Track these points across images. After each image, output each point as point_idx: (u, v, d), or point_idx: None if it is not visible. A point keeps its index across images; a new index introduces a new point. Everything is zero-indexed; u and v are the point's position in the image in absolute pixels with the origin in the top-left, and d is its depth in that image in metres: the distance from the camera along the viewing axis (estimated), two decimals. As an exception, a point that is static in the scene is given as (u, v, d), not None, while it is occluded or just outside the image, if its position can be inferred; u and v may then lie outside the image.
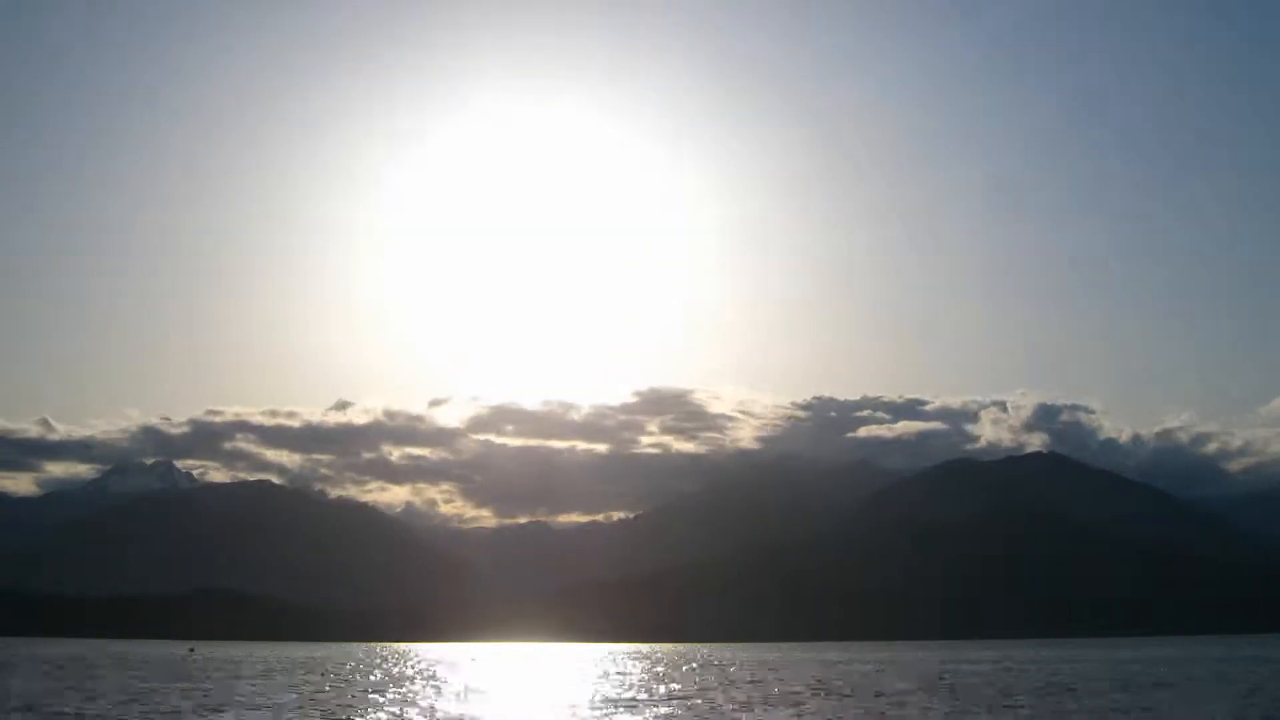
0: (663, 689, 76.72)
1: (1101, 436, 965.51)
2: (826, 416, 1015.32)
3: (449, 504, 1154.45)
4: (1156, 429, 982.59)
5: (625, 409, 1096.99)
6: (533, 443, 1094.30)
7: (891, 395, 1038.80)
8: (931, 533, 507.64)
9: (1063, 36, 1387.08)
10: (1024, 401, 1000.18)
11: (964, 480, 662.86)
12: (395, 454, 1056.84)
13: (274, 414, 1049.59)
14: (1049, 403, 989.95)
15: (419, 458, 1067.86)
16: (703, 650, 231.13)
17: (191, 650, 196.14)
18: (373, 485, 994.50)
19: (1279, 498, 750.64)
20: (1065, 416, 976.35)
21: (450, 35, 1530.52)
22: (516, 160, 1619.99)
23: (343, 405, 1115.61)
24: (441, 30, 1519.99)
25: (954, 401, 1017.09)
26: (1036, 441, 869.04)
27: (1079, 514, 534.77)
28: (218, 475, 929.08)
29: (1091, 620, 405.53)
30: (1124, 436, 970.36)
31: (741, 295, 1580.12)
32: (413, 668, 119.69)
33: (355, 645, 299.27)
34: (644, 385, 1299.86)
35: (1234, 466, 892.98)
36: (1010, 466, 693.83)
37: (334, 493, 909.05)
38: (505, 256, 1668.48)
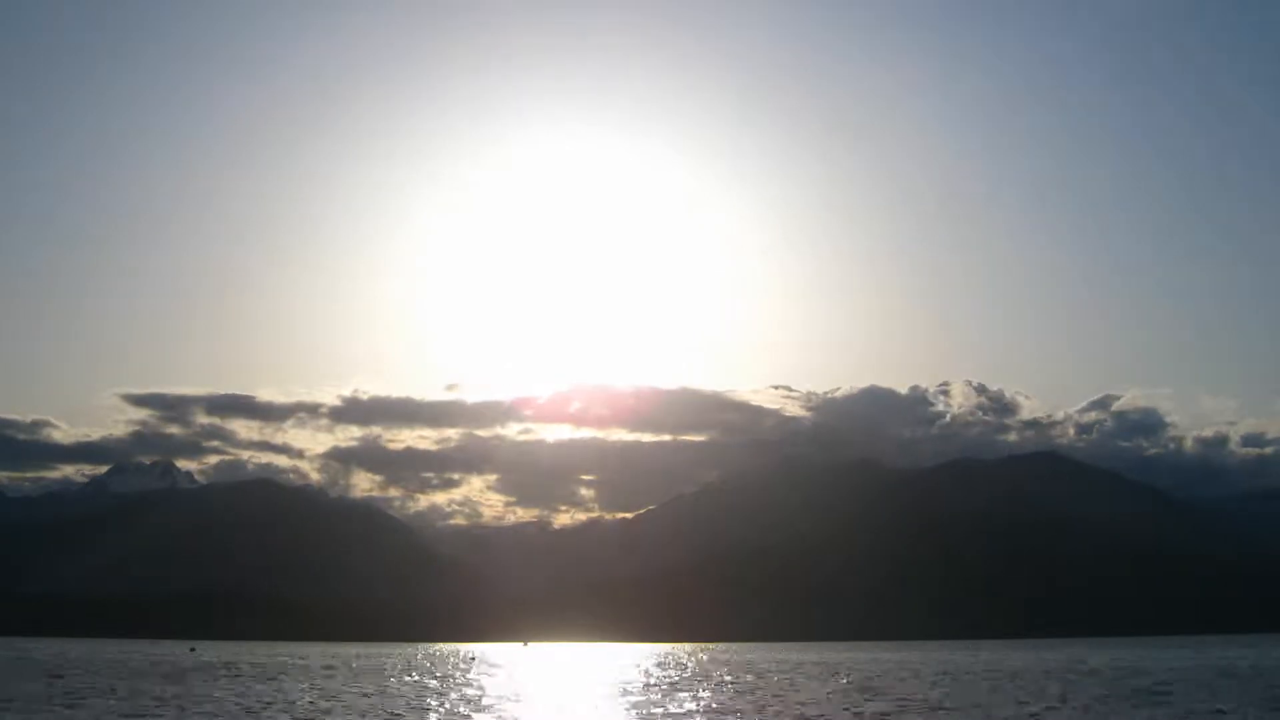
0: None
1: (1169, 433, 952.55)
2: (829, 415, 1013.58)
3: (452, 502, 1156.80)
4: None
5: (626, 406, 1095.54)
6: (539, 437, 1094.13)
7: (908, 389, 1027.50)
8: (931, 532, 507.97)
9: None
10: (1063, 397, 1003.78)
11: (964, 480, 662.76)
12: (398, 453, 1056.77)
13: (275, 412, 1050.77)
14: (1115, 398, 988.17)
15: (421, 456, 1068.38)
16: (720, 651, 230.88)
17: (193, 649, 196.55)
18: (374, 484, 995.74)
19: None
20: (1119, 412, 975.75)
21: (513, 57, 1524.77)
22: (562, 175, 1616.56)
23: (349, 402, 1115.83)
24: (498, 53, 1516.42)
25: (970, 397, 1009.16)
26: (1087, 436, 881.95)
27: (1079, 514, 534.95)
28: (218, 474, 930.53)
29: (1091, 620, 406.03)
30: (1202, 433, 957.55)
31: (757, 296, 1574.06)
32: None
33: (355, 645, 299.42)
34: (648, 384, 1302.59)
35: (1236, 464, 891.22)
36: (1010, 466, 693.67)
37: (335, 491, 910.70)
38: (521, 257, 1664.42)
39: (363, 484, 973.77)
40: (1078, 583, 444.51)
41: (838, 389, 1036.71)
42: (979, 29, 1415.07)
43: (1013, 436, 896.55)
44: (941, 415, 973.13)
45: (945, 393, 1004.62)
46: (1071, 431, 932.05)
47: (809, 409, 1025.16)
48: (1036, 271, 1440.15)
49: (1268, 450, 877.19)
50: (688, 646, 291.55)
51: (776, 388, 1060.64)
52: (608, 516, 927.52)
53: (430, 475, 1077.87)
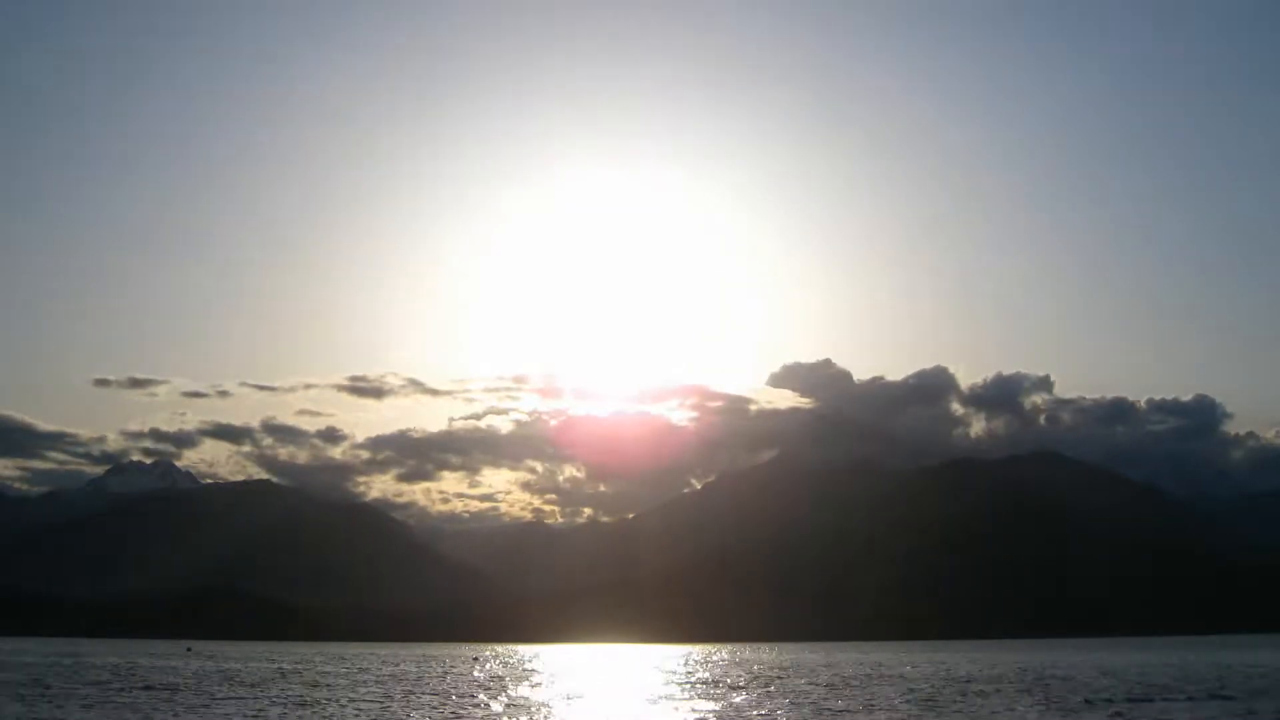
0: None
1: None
2: (826, 413, 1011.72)
3: (452, 502, 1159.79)
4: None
5: (627, 404, 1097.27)
6: (540, 431, 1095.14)
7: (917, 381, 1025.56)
8: (931, 532, 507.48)
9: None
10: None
11: (964, 479, 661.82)
12: (396, 452, 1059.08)
13: (273, 410, 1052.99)
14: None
15: (419, 456, 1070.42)
16: (729, 652, 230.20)
17: (189, 649, 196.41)
18: (375, 484, 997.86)
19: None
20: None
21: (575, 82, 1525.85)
22: (589, 185, 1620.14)
23: (352, 386, 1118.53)
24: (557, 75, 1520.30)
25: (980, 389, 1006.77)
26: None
27: (1079, 513, 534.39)
28: (218, 474, 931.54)
29: (1091, 620, 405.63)
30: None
31: (756, 294, 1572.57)
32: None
33: (354, 646, 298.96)
34: (650, 382, 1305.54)
35: (1237, 464, 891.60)
36: (1010, 466, 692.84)
37: (336, 493, 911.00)
38: (524, 257, 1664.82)
39: (359, 489, 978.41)
40: (1078, 583, 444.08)
41: (840, 388, 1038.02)
42: (1003, 15, 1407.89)
43: (1015, 434, 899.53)
44: (943, 414, 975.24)
45: (947, 392, 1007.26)
46: (1071, 430, 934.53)
47: (810, 408, 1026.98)
48: (1036, 271, 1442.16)
49: (1268, 450, 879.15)
50: (694, 648, 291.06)
51: (777, 386, 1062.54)
52: (608, 517, 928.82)
53: (435, 462, 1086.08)
